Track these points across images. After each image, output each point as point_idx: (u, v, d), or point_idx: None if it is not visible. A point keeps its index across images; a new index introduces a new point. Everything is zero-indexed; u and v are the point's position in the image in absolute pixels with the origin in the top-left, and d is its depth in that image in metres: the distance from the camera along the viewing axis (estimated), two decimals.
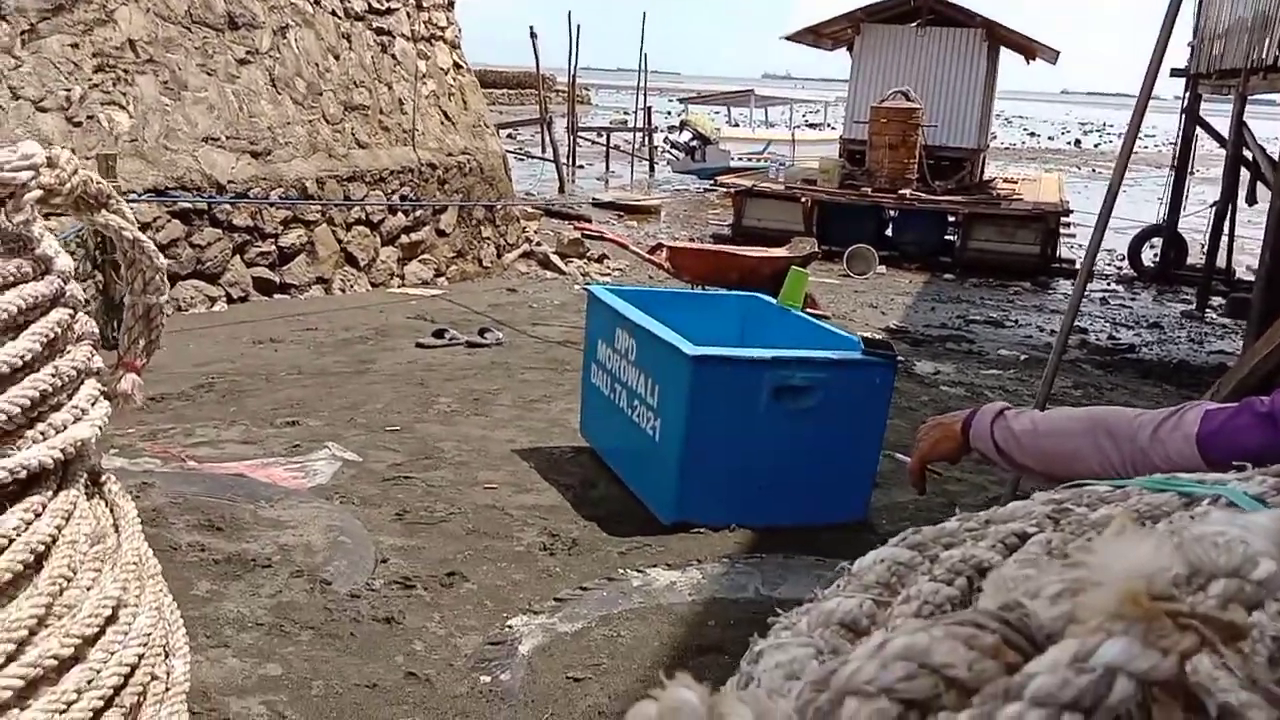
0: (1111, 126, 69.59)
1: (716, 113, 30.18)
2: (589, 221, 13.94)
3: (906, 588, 0.78)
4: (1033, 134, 58.77)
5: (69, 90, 6.95)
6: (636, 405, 4.29)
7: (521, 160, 21.93)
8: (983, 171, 18.91)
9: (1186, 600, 0.45)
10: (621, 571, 3.64)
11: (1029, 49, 18.86)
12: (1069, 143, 52.98)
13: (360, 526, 3.81)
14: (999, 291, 12.93)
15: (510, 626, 3.20)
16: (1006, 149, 41.85)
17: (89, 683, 1.80)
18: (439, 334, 7.16)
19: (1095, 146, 50.64)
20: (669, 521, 4.03)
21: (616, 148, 25.94)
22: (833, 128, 33.67)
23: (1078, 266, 13.90)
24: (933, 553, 0.85)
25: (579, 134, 24.24)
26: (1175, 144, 14.44)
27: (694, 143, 23.86)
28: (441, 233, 10.03)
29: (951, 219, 15.09)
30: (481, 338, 7.21)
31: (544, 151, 22.10)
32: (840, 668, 0.46)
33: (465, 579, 3.49)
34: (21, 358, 1.75)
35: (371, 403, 5.52)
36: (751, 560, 3.82)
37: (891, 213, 15.22)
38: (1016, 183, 18.62)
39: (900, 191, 14.91)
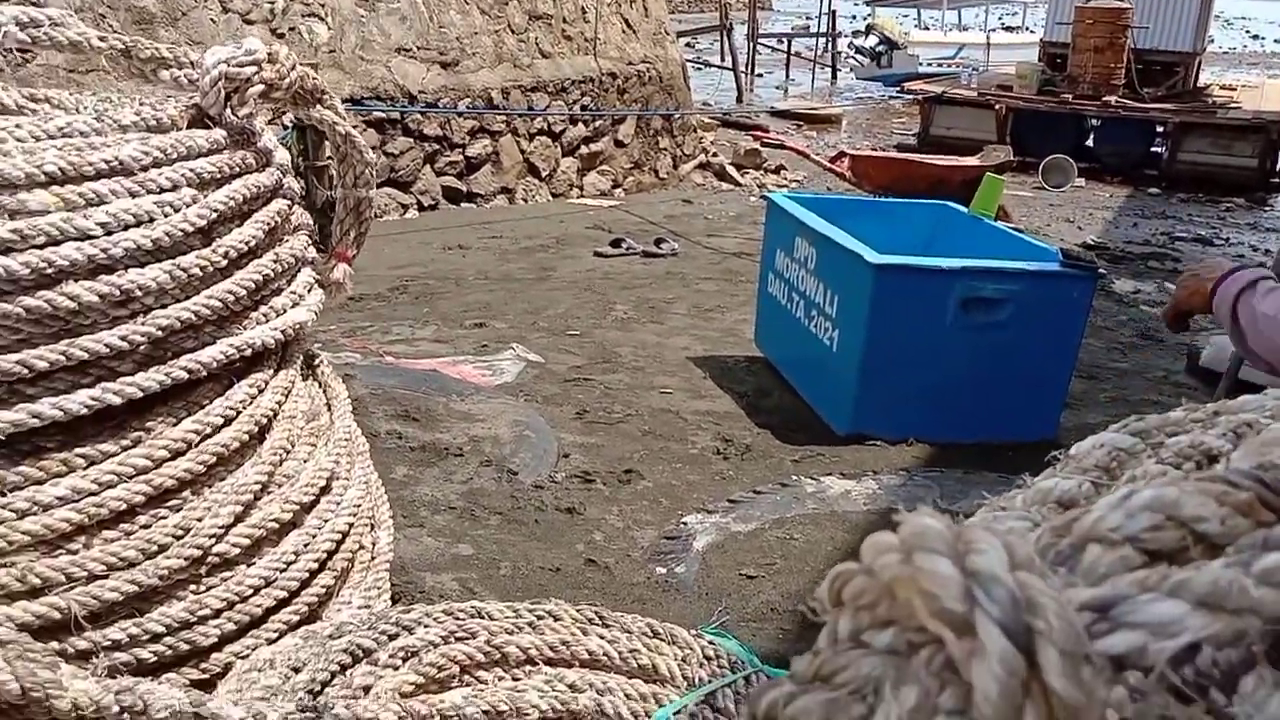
0: None
1: (905, 15, 28.90)
2: (766, 131, 13.67)
3: (1129, 470, 0.75)
4: (1256, 36, 53.62)
5: (272, 3, 7.27)
6: (814, 315, 4.24)
7: (700, 69, 21.61)
8: (1197, 77, 17.41)
9: None
10: (795, 478, 3.64)
11: None
12: None
13: (544, 423, 3.96)
14: (1209, 208, 12.00)
15: (685, 523, 3.27)
16: (1225, 54, 38.35)
17: (305, 546, 1.95)
18: (616, 243, 7.25)
19: None
20: (844, 432, 4.00)
21: (798, 54, 25.19)
22: (1031, 31, 31.64)
23: None
24: (1156, 440, 0.82)
25: (759, 41, 23.64)
26: None
27: (880, 48, 22.93)
28: (620, 143, 10.05)
29: (1160, 129, 14.02)
30: (657, 248, 7.25)
31: (722, 60, 21.70)
32: (1083, 515, 0.45)
33: (642, 477, 3.58)
34: (246, 243, 1.87)
35: (553, 308, 5.67)
36: (930, 474, 3.75)
37: (1093, 121, 14.26)
38: (1235, 90, 17.08)
39: (1105, 98, 13.92)
